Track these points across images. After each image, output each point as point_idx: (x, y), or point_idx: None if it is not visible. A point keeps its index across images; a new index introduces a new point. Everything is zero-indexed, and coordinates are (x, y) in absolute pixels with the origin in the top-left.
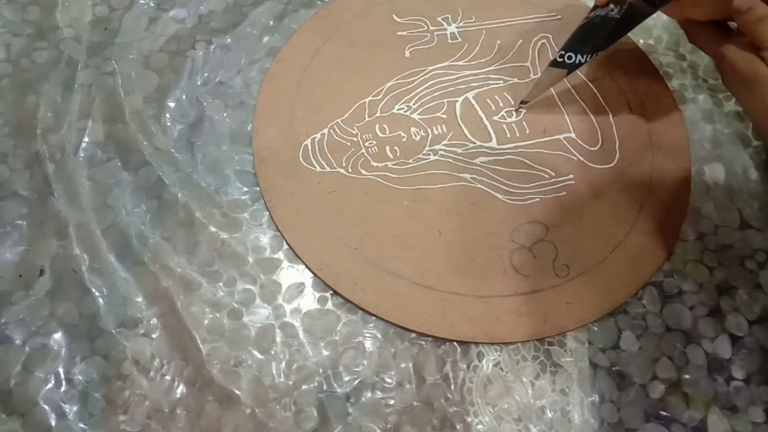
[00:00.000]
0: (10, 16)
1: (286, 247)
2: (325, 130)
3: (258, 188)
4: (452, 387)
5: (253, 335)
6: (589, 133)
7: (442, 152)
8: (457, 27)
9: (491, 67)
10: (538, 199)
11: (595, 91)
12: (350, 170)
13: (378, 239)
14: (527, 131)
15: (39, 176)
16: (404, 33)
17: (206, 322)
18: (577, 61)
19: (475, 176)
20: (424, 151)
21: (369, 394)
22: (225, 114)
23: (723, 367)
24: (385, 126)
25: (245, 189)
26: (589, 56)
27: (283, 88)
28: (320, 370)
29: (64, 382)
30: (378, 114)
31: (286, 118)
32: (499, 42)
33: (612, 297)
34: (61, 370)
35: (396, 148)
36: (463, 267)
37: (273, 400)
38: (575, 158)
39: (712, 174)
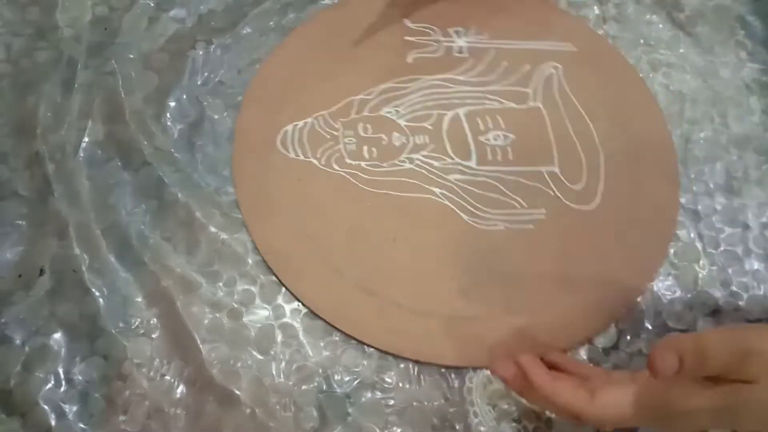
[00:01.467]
0: (10, 15)
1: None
2: (309, 120)
3: None
4: (452, 387)
5: (253, 335)
6: (574, 171)
7: (418, 162)
8: (467, 41)
9: (491, 87)
10: (502, 228)
11: (592, 129)
12: (323, 163)
13: (331, 234)
14: (510, 157)
15: (39, 176)
16: (412, 38)
17: (206, 322)
18: None
19: (444, 192)
20: (401, 158)
21: (369, 394)
22: (225, 114)
23: None
24: (368, 126)
25: None
26: None
27: (278, 72)
28: (320, 370)
29: (64, 382)
30: (365, 113)
31: (273, 102)
32: (505, 63)
33: (554, 339)
34: (61, 370)
35: (374, 149)
36: (408, 279)
37: (273, 401)
38: (552, 193)
39: (712, 175)
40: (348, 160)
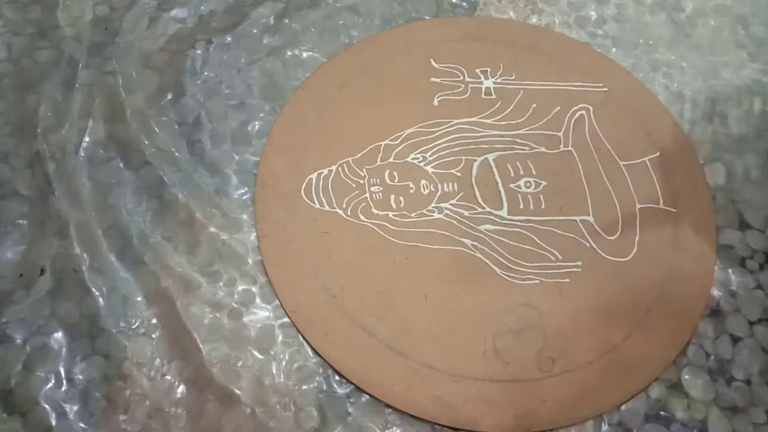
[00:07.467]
0: (12, 15)
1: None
2: (334, 167)
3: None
4: None
5: (253, 335)
6: (610, 220)
7: (447, 212)
8: (494, 82)
9: (520, 131)
10: (537, 281)
11: (626, 176)
12: (349, 213)
13: (360, 291)
14: (542, 206)
15: (40, 176)
16: (438, 80)
17: (206, 322)
18: None
19: (476, 243)
20: (429, 207)
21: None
22: (225, 114)
23: (724, 367)
24: (395, 173)
25: (245, 189)
26: None
27: (302, 117)
28: (320, 370)
29: (64, 382)
30: (391, 159)
31: (297, 148)
32: (534, 105)
33: (593, 404)
34: (61, 370)
35: (401, 198)
36: (441, 339)
37: (273, 400)
38: (587, 245)
39: (712, 175)
40: (375, 210)
